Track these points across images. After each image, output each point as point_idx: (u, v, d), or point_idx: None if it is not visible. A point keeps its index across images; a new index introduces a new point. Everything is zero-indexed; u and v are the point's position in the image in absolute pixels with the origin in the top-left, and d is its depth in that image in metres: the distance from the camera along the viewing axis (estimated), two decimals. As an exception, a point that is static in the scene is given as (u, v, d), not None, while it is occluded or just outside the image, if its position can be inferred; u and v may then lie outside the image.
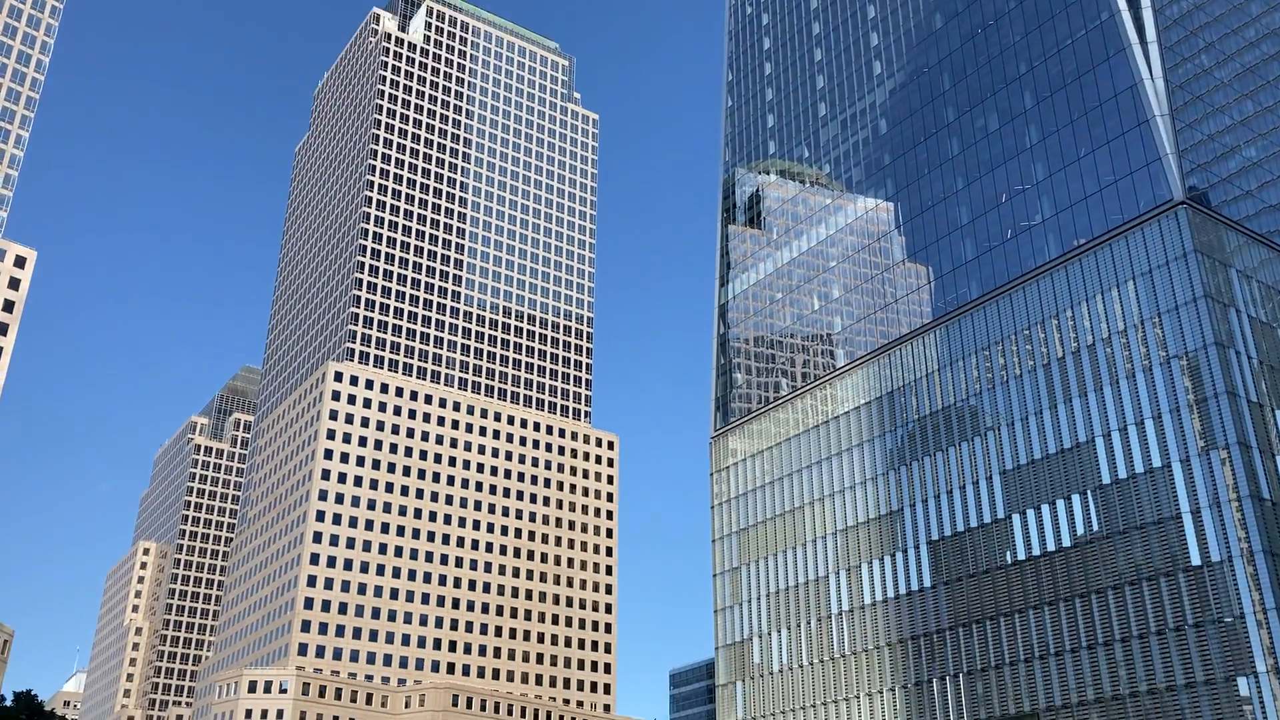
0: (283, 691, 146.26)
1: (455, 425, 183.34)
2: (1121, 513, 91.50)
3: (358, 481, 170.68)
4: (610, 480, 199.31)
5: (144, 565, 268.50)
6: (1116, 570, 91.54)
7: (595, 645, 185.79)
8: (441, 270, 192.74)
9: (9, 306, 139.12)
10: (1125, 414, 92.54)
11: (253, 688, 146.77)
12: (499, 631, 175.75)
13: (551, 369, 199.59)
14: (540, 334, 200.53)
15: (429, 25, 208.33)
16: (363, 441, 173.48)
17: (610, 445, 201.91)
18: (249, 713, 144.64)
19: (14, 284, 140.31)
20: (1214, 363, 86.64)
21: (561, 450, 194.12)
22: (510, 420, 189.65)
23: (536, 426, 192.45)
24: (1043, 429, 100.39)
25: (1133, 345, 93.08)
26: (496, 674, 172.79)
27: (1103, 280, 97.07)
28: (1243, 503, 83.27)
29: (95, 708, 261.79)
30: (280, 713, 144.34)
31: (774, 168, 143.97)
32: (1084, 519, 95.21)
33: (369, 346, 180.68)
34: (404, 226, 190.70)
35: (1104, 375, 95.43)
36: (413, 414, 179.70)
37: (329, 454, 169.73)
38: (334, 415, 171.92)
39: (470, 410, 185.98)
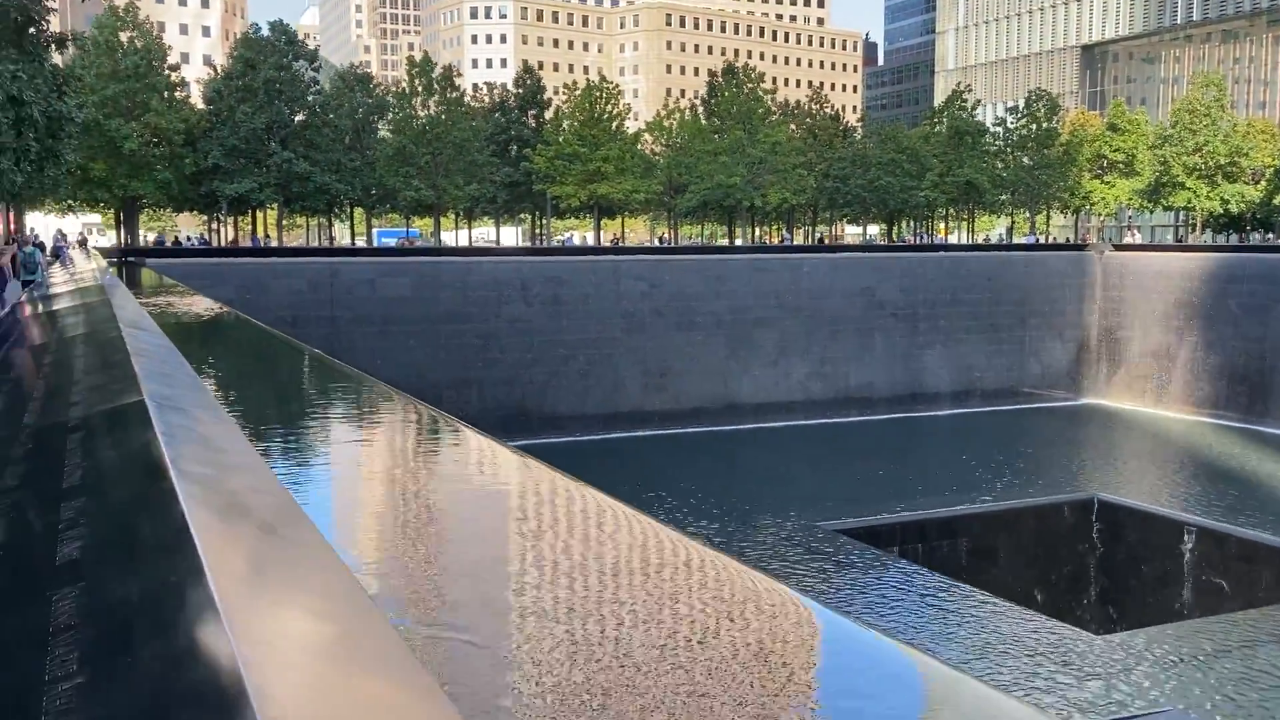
0: (503, 17, 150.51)
1: None
2: None
3: None
4: None
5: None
6: None
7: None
8: None
9: None
10: None
11: (474, 14, 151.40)
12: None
13: None
14: None
15: None
16: None
17: None
18: (474, 37, 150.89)
19: None
20: None
21: None
22: None
23: None
24: None
25: None
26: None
27: None
28: None
29: (333, 38, 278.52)
30: (504, 36, 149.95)
31: None
32: None
33: None
34: None
35: None
36: None
37: None
38: None
39: None
